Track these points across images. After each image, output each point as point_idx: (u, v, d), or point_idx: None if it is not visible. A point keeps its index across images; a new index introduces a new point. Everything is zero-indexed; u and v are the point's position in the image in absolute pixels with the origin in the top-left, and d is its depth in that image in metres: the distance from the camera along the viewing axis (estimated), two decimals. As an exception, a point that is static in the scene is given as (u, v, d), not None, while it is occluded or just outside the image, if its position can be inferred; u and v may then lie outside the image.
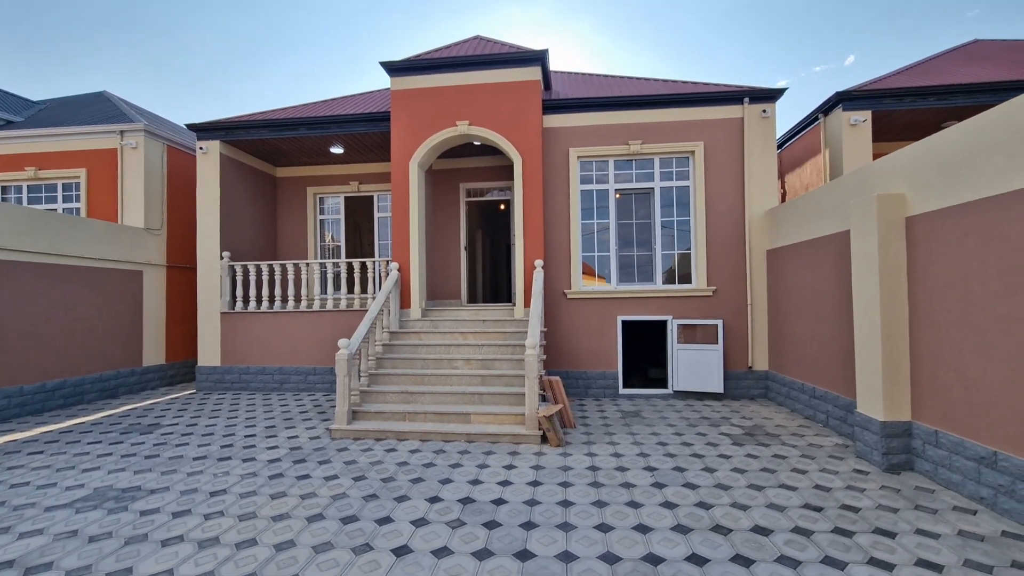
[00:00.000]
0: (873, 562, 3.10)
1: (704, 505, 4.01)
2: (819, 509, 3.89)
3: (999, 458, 3.76)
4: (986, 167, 3.87)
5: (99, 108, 11.06)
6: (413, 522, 3.75)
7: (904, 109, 8.24)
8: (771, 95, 8.22)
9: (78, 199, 9.68)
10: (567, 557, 3.22)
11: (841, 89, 8.31)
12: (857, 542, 3.35)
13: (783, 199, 10.99)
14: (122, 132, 9.44)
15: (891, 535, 3.44)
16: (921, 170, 4.57)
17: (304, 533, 3.57)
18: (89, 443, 5.89)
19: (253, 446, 5.72)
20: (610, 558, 3.20)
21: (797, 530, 3.54)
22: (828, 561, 3.12)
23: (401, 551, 3.31)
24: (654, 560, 3.17)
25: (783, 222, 7.50)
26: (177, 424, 6.76)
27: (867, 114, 8.17)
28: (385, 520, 3.78)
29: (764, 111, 8.23)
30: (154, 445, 5.78)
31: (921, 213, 4.56)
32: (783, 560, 3.14)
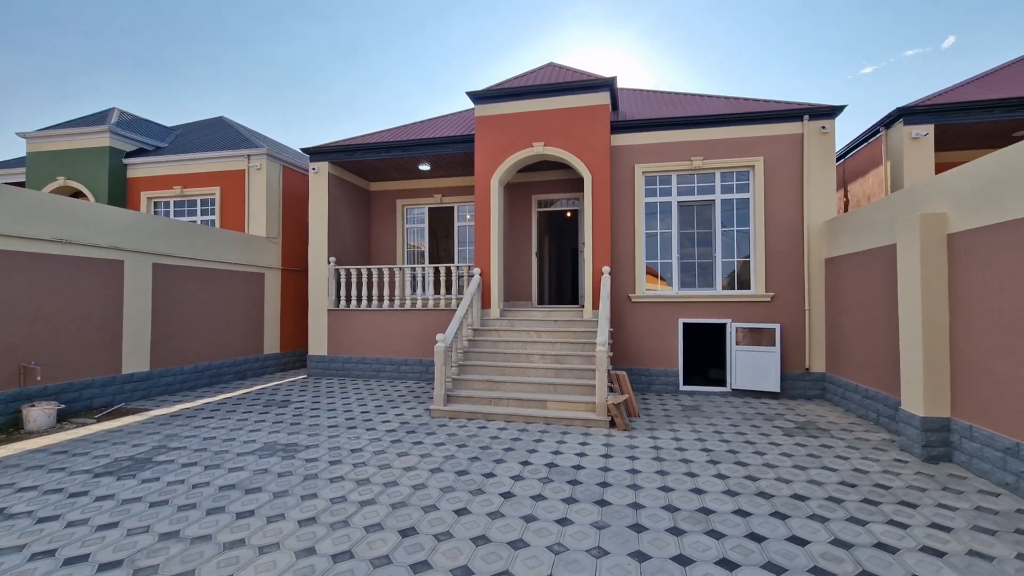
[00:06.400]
0: (891, 523, 3.80)
1: (752, 478, 4.79)
2: (853, 486, 4.58)
3: (1021, 448, 4.31)
4: (1012, 192, 4.42)
5: (223, 133, 12.99)
6: (512, 477, 4.78)
7: (969, 122, 8.44)
8: (830, 112, 8.67)
9: (213, 212, 11.56)
10: (636, 506, 4.13)
11: (906, 101, 8.63)
12: (881, 509, 4.05)
13: (846, 208, 11.25)
14: (249, 156, 11.19)
15: (913, 506, 4.11)
16: (960, 192, 5.11)
17: (431, 479, 4.69)
18: (243, 412, 7.39)
19: (370, 419, 6.99)
20: (671, 508, 4.08)
21: (830, 499, 4.27)
22: (852, 520, 3.85)
23: (506, 495, 4.35)
24: (706, 512, 4.02)
25: (840, 233, 7.98)
26: (304, 401, 8.20)
27: (929, 128, 8.46)
28: (489, 475, 4.84)
29: (824, 127, 8.69)
30: (293, 416, 7.18)
31: (960, 231, 5.10)
32: (814, 517, 3.91)
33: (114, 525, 3.70)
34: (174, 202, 11.87)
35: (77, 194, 12.11)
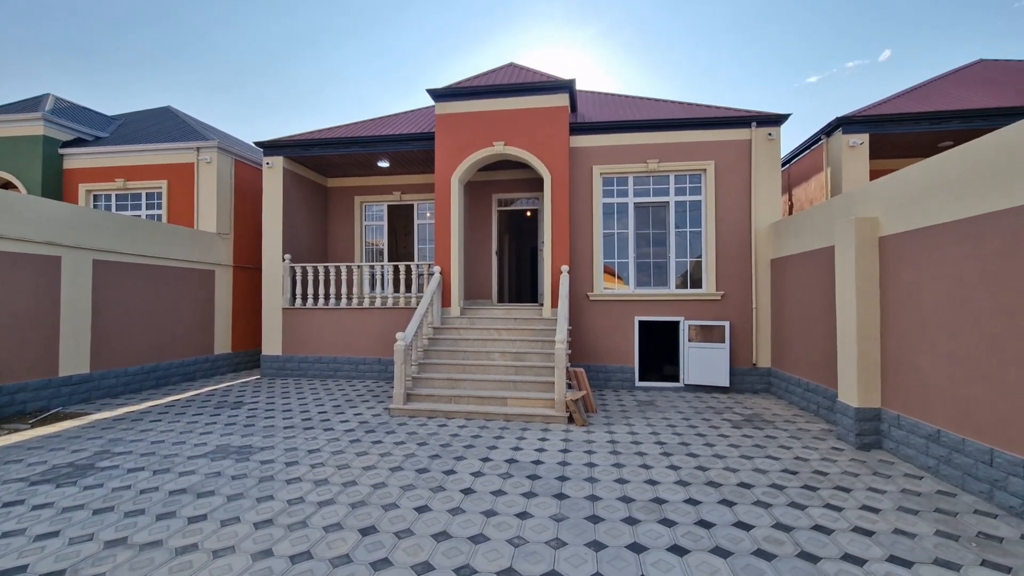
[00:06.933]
0: (827, 506, 4.08)
1: (702, 468, 5.02)
2: (795, 473, 4.87)
3: (941, 435, 4.69)
4: (934, 199, 4.80)
5: (171, 124, 12.42)
6: (472, 473, 4.84)
7: (900, 132, 9.06)
8: (776, 120, 9.12)
9: (160, 207, 11.04)
10: (593, 499, 4.26)
11: (844, 112, 9.18)
12: (819, 494, 4.33)
13: (791, 211, 11.84)
14: (198, 148, 10.75)
15: (847, 490, 4.41)
16: (890, 198, 5.50)
17: (391, 478, 4.69)
18: (193, 415, 7.12)
19: (328, 419, 6.88)
20: (626, 499, 4.24)
21: (774, 486, 4.53)
22: (793, 505, 4.11)
23: (467, 491, 4.40)
24: (660, 502, 4.20)
25: (784, 235, 8.42)
26: (258, 402, 7.97)
27: (865, 137, 9.02)
28: (450, 472, 4.88)
29: (770, 134, 9.13)
30: (247, 417, 6.98)
31: (890, 234, 5.49)
32: (758, 504, 4.14)
33: (55, 534, 3.53)
34: (116, 195, 11.25)
35: (7, 185, 11.31)
